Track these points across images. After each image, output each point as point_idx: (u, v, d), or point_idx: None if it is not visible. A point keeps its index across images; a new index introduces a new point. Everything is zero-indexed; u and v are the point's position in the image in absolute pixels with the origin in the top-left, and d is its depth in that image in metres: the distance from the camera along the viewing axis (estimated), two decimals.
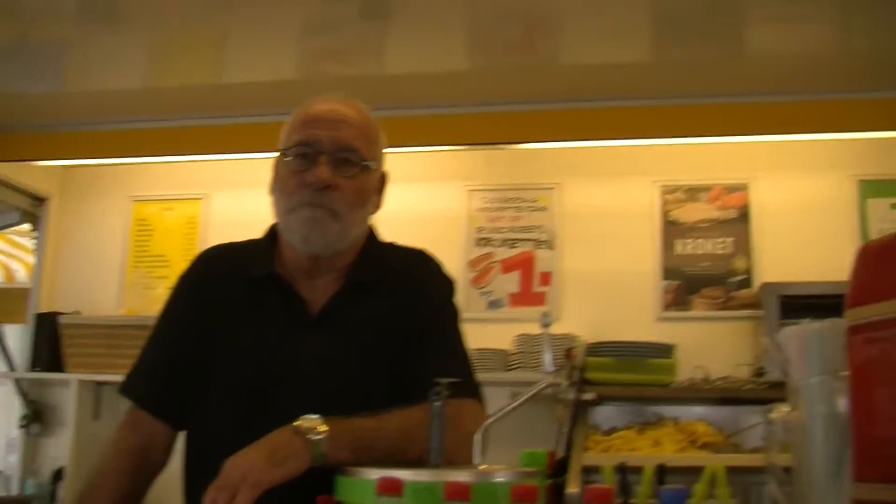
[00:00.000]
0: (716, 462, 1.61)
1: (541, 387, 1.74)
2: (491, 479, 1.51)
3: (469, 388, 2.02)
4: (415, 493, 1.39)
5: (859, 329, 1.18)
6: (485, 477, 1.53)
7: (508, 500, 1.30)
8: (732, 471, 2.97)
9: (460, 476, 1.47)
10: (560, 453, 4.30)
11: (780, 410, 1.49)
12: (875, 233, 4.91)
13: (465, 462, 1.67)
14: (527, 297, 5.03)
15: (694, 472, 2.01)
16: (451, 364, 1.98)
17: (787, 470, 1.48)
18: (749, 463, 3.59)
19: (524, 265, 5.07)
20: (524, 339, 4.72)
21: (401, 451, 1.75)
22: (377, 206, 2.12)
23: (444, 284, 2.20)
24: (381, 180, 2.12)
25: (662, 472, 1.72)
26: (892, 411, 1.12)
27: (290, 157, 1.98)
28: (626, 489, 1.80)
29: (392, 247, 2.21)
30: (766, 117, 4.57)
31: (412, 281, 2.13)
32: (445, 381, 1.68)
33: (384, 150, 2.10)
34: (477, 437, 1.68)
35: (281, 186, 2.01)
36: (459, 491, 1.30)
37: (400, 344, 2.01)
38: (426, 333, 2.05)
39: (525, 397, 1.72)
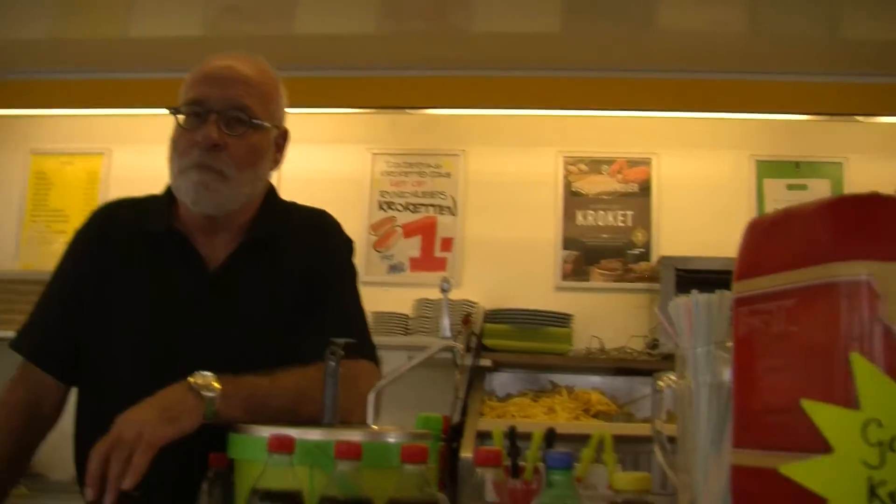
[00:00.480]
0: (605, 430, 1.64)
1: (434, 351, 1.77)
2: (382, 439, 1.53)
3: (364, 350, 2.03)
4: (306, 451, 1.39)
5: (744, 301, 1.21)
6: (376, 437, 1.54)
7: (398, 459, 1.31)
8: (624, 439, 3.04)
9: (352, 435, 1.48)
10: (456, 418, 4.33)
11: (667, 379, 1.52)
12: (770, 211, 5.02)
13: (359, 422, 1.69)
14: (428, 262, 5.05)
15: (585, 439, 2.05)
16: (347, 325, 1.99)
17: (672, 439, 1.52)
18: (639, 432, 3.67)
19: (426, 230, 5.08)
20: (423, 303, 4.74)
21: (295, 409, 1.76)
22: (276, 164, 2.11)
23: (343, 245, 2.21)
24: (281, 138, 2.10)
25: (551, 437, 1.74)
26: (770, 381, 1.15)
27: (183, 116, 1.97)
28: (514, 452, 1.82)
29: (292, 206, 2.20)
30: (670, 94, 4.64)
31: (311, 240, 2.13)
32: (341, 341, 1.69)
33: (285, 108, 2.09)
34: (370, 398, 1.70)
35: (174, 145, 1.99)
36: (350, 450, 1.31)
37: (297, 303, 2.01)
38: (323, 293, 2.06)
39: (416, 360, 1.75)
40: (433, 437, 1.75)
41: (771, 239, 1.20)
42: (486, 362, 4.50)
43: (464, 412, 4.35)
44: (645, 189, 5.02)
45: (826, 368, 1.06)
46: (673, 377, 1.50)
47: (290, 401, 1.79)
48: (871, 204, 1.11)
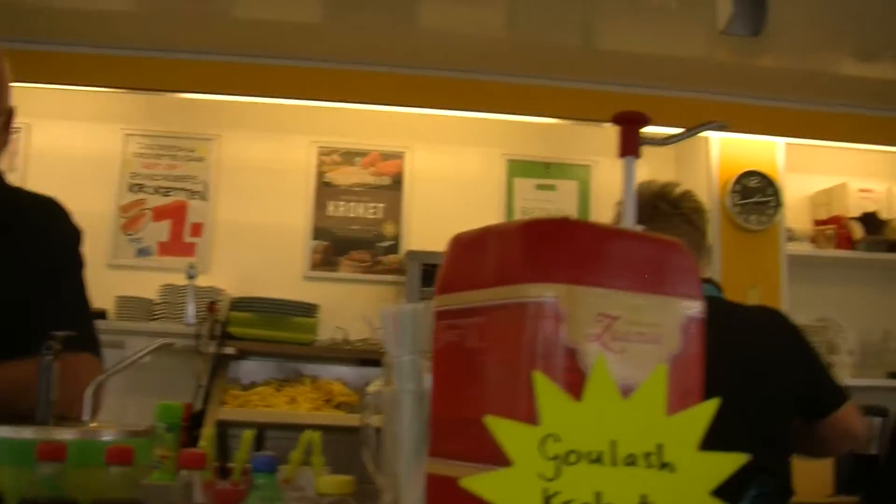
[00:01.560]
0: (347, 419, 1.67)
1: (148, 351, 1.76)
2: (88, 439, 1.51)
3: (87, 343, 2.00)
4: (8, 451, 1.36)
5: (443, 315, 1.26)
6: (82, 436, 1.52)
7: (103, 459, 1.30)
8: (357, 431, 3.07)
9: (60, 434, 1.45)
10: (198, 406, 4.29)
11: (377, 384, 1.56)
12: (519, 210, 5.17)
13: (78, 417, 1.66)
14: (176, 246, 4.97)
15: (326, 430, 2.07)
16: (69, 317, 1.94)
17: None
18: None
19: (176, 215, 5.00)
20: (169, 289, 4.66)
21: (11, 403, 1.72)
22: (3, 145, 2.05)
23: (70, 234, 2.16)
24: (7, 118, 2.04)
25: (261, 437, 1.76)
26: (462, 394, 1.19)
27: None
28: (224, 452, 1.83)
29: (18, 192, 2.14)
30: (426, 90, 4.70)
31: (37, 228, 2.08)
32: (61, 334, 1.66)
33: (9, 87, 2.02)
34: (88, 393, 1.67)
35: None
36: (53, 451, 1.29)
37: (21, 291, 1.96)
38: (47, 284, 2.02)
39: (134, 358, 1.72)
40: (149, 433, 1.73)
41: (469, 256, 1.24)
42: (230, 350, 4.48)
43: (206, 400, 4.32)
44: (397, 182, 5.09)
45: (511, 385, 1.11)
46: (381, 382, 1.54)
47: (6, 395, 1.75)
48: (560, 228, 1.16)
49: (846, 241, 5.15)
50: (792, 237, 5.08)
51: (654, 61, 4.15)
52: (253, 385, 4.58)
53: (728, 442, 2.47)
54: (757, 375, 2.70)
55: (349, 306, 4.92)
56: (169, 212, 5.00)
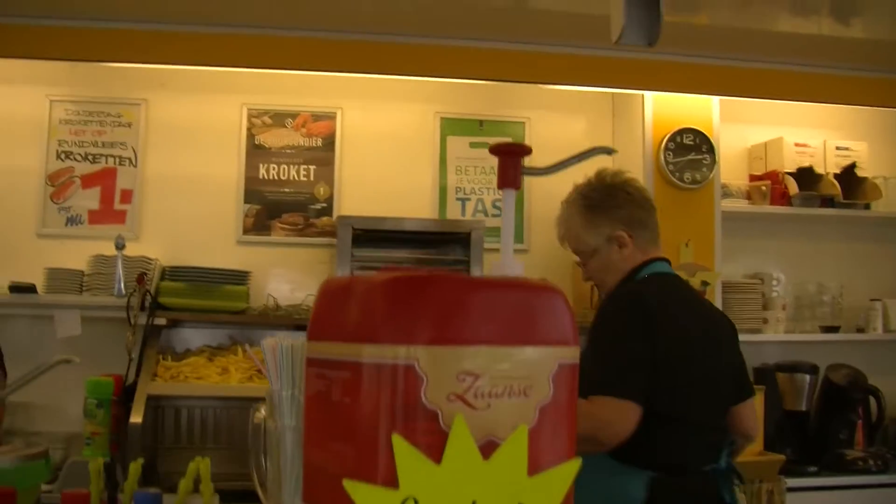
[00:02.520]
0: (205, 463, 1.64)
1: (47, 367, 1.72)
2: None
3: None
4: None
5: (313, 363, 1.23)
6: None
7: None
8: None
9: None
10: (130, 379, 4.26)
11: (261, 413, 1.53)
12: (453, 169, 5.14)
13: None
14: (107, 214, 4.88)
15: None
16: None
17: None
18: None
19: (105, 181, 4.90)
20: (99, 259, 4.59)
21: None
22: None
23: None
24: None
25: (152, 469, 1.73)
26: (329, 447, 1.17)
27: None
28: (113, 486, 1.80)
29: None
30: (357, 55, 4.61)
31: None
32: None
33: None
34: None
35: None
36: None
37: None
38: None
39: (33, 375, 1.69)
40: (44, 455, 1.70)
41: (336, 305, 1.21)
42: (161, 321, 4.43)
43: (138, 372, 4.29)
44: (329, 143, 5.03)
45: (372, 446, 1.09)
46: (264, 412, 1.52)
47: None
48: (424, 284, 1.14)
49: (781, 197, 5.16)
50: (727, 194, 5.08)
51: (588, 21, 4.09)
52: (187, 353, 4.55)
53: (721, 399, 2.56)
54: (729, 345, 2.97)
55: (282, 270, 4.90)
56: (98, 179, 4.90)
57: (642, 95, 4.93)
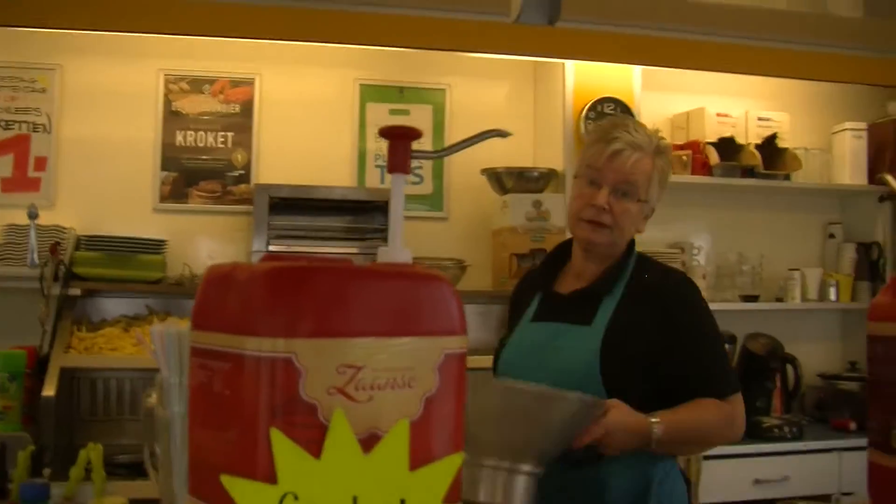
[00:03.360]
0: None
1: None
2: None
3: None
4: None
5: (197, 352, 1.20)
6: None
7: None
8: None
9: None
10: (44, 351, 4.19)
11: (153, 398, 1.50)
12: (372, 136, 5.10)
13: None
14: (21, 182, 4.75)
15: None
16: None
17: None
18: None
19: (18, 148, 4.78)
20: (12, 229, 4.49)
21: None
22: None
23: None
24: None
25: (40, 456, 1.70)
26: (212, 439, 1.15)
27: None
28: (3, 475, 1.77)
29: None
30: (276, 21, 4.53)
31: None
32: None
33: None
34: None
35: None
36: None
37: None
38: None
39: None
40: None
41: (218, 293, 1.18)
42: (75, 291, 4.36)
43: (52, 344, 4.21)
44: (247, 110, 4.96)
45: (251, 441, 1.06)
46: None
47: None
48: (304, 276, 1.11)
49: (702, 167, 5.18)
50: None
51: None
52: (103, 323, 4.48)
53: None
54: None
55: (200, 238, 4.84)
56: (10, 146, 4.77)
57: (563, 64, 4.91)
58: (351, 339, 1.09)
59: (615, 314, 2.48)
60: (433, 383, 1.15)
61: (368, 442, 1.09)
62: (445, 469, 1.13)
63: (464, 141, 1.35)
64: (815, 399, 5.32)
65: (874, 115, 5.73)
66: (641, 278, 2.57)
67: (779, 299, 5.43)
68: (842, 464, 4.73)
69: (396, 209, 1.26)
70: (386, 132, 1.29)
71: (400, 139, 1.29)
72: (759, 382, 4.98)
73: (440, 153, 1.33)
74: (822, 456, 4.73)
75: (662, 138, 2.65)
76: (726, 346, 4.89)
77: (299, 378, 1.06)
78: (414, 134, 1.30)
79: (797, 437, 4.75)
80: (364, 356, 1.10)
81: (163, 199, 4.85)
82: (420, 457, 1.12)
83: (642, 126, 2.64)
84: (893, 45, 5.23)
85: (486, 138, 1.39)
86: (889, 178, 5.39)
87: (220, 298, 1.17)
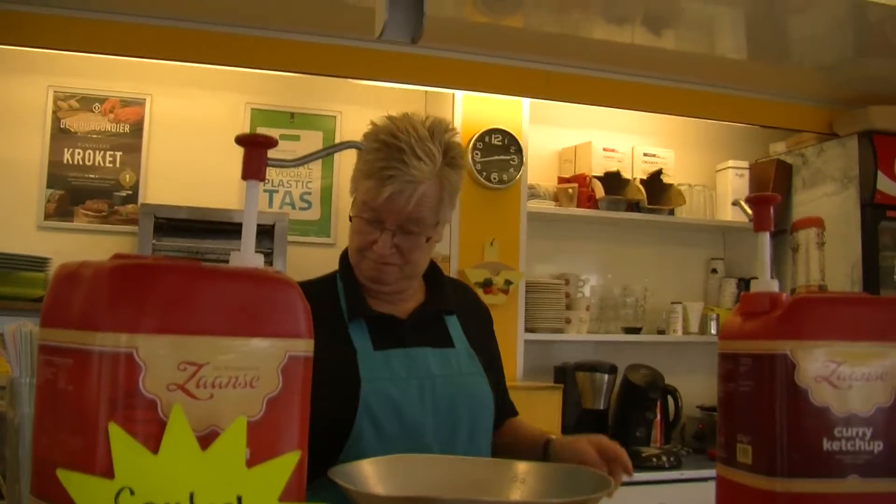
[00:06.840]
0: None
1: None
2: None
3: None
4: None
5: (44, 349, 1.20)
6: None
7: None
8: None
9: None
10: None
11: (3, 402, 1.50)
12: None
13: None
14: None
15: None
16: None
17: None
18: None
19: None
20: None
21: None
22: None
23: None
24: None
25: None
26: (54, 437, 1.15)
27: None
28: None
29: None
30: (168, 42, 4.49)
31: None
32: None
33: None
34: None
35: None
36: None
37: None
38: None
39: None
40: None
41: (66, 291, 1.19)
42: None
43: None
44: (138, 130, 4.94)
45: (91, 436, 1.07)
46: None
47: None
48: (147, 272, 1.13)
49: (588, 200, 5.27)
50: (534, 195, 5.17)
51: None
52: None
53: None
54: None
55: (84, 258, 4.73)
56: None
57: (453, 94, 4.97)
58: (193, 337, 1.11)
59: (464, 332, 2.32)
60: (276, 384, 1.18)
61: (208, 439, 1.11)
62: (282, 467, 1.15)
63: (319, 151, 1.38)
64: (694, 430, 5.42)
65: (757, 153, 5.91)
66: (452, 291, 2.41)
67: (661, 331, 5.54)
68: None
69: (250, 215, 1.28)
70: (242, 140, 1.32)
71: (255, 147, 1.32)
72: (639, 413, 5.06)
73: (296, 162, 1.36)
74: (699, 485, 4.81)
75: (452, 139, 2.23)
76: (606, 376, 5.01)
77: (140, 373, 1.08)
78: (269, 143, 1.32)
79: (675, 467, 4.83)
80: (206, 354, 1.12)
81: (48, 216, 4.79)
82: (260, 456, 1.14)
83: (425, 139, 2.17)
84: (776, 88, 5.40)
85: (343, 149, 1.42)
86: (743, 203, 5.53)
87: (67, 296, 1.18)
